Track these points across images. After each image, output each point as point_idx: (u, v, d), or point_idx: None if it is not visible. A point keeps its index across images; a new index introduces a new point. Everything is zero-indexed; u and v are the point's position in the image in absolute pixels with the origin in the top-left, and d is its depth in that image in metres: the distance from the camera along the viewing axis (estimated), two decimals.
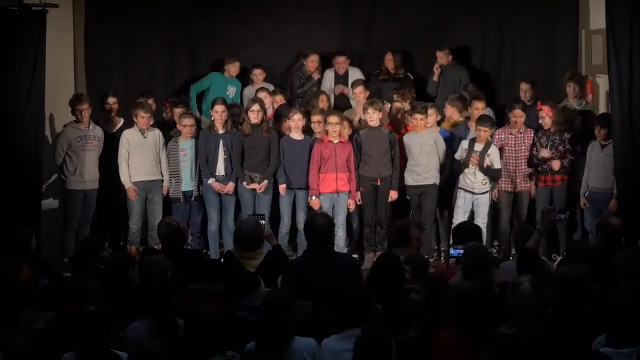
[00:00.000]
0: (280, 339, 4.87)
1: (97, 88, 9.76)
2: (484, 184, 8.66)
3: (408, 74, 10.03)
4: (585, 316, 4.68)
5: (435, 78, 9.96)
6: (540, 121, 8.79)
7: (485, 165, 8.58)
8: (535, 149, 8.76)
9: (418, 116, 8.81)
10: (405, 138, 8.94)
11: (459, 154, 8.71)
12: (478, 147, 8.62)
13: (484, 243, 7.44)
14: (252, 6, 10.29)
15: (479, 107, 9.02)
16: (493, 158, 8.62)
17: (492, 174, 8.66)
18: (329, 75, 10.17)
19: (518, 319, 4.87)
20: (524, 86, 9.34)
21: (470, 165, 8.60)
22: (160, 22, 10.31)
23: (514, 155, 8.84)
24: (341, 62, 10.08)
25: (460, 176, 8.72)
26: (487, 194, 8.70)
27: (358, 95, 9.40)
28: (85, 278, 5.99)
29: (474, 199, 8.66)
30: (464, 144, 8.70)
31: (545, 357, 4.56)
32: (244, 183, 8.80)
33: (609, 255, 6.11)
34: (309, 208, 8.75)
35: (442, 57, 9.91)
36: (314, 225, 6.18)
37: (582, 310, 4.76)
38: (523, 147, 8.81)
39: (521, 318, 4.87)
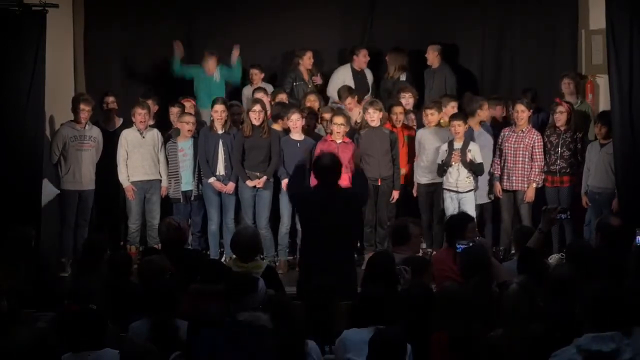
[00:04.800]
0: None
1: (97, 88, 9.76)
2: (468, 182, 8.68)
3: (404, 73, 9.97)
4: (574, 316, 4.70)
5: None
6: (554, 116, 8.79)
7: (468, 160, 8.60)
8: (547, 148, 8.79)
9: (428, 112, 8.90)
10: (419, 134, 8.97)
11: (441, 158, 8.73)
12: (457, 145, 8.65)
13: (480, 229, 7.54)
14: (252, 6, 10.30)
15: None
16: (474, 153, 8.66)
17: (475, 169, 8.68)
18: (346, 71, 10.13)
19: (506, 320, 4.90)
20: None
21: (453, 163, 8.63)
22: (160, 22, 10.32)
23: (512, 153, 8.84)
24: (366, 55, 10.06)
25: (444, 177, 8.74)
26: (472, 193, 8.72)
27: (347, 106, 9.45)
28: (87, 278, 6.00)
29: (459, 198, 8.67)
30: (444, 146, 8.73)
31: (535, 358, 4.59)
32: (247, 182, 8.79)
33: (609, 255, 6.13)
34: None
35: (431, 55, 9.90)
36: (321, 164, 6.57)
37: (572, 311, 4.77)
38: (522, 146, 8.81)
39: (508, 319, 4.89)
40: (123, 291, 5.81)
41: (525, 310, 4.88)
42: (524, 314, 4.86)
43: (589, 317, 4.51)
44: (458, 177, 8.67)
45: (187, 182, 9.03)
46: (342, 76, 10.10)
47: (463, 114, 8.92)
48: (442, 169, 8.71)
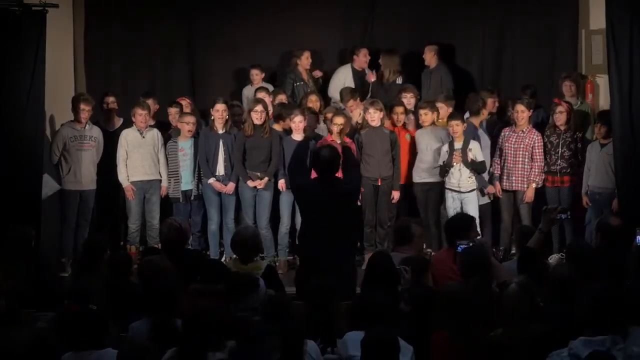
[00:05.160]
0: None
1: (97, 88, 9.76)
2: (470, 182, 8.69)
3: (400, 76, 9.95)
4: (574, 317, 4.70)
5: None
6: (554, 117, 8.79)
7: (469, 159, 8.60)
8: (547, 149, 8.79)
9: (422, 112, 8.89)
10: (417, 134, 8.98)
11: (442, 159, 8.73)
12: (458, 145, 8.65)
13: (479, 230, 7.52)
14: (252, 6, 10.29)
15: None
16: (475, 152, 8.66)
17: (477, 167, 8.69)
18: (347, 71, 10.12)
19: (506, 320, 4.90)
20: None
21: (454, 164, 8.63)
22: (160, 22, 10.32)
23: (512, 153, 8.84)
24: (367, 54, 10.04)
25: (446, 177, 8.74)
26: (474, 192, 8.73)
27: (349, 107, 9.43)
28: (87, 278, 6.00)
29: (461, 198, 8.67)
30: (444, 147, 8.72)
31: (535, 358, 4.60)
32: (248, 182, 8.79)
33: (609, 255, 6.13)
34: None
35: (428, 55, 9.89)
36: (320, 157, 6.59)
37: (572, 311, 4.78)
38: (522, 147, 8.80)
39: (508, 319, 4.89)
40: (123, 291, 5.81)
41: (525, 310, 4.89)
42: (524, 314, 4.87)
43: (588, 317, 4.52)
44: (460, 177, 8.67)
45: (187, 182, 9.03)
46: (343, 76, 10.08)
47: (460, 113, 8.92)
48: (444, 169, 8.71)
